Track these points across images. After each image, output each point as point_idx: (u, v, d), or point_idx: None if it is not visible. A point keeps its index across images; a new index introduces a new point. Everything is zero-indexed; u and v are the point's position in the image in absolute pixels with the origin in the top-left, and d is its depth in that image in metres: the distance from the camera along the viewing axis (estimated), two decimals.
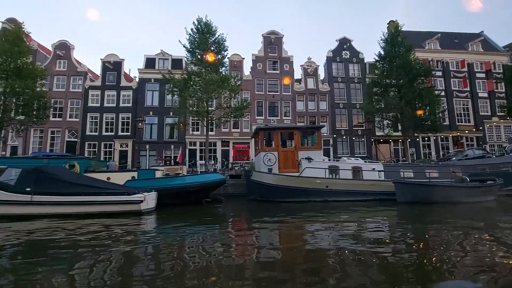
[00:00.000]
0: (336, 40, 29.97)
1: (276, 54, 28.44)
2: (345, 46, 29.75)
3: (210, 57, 18.31)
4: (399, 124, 25.11)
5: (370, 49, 74.05)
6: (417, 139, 28.77)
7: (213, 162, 22.12)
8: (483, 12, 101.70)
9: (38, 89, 17.45)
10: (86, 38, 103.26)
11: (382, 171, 12.50)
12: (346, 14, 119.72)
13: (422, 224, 7.64)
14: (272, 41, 28.40)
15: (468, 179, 11.71)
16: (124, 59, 27.01)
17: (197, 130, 26.66)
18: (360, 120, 28.91)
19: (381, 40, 21.72)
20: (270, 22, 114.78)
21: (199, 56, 19.31)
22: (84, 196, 8.69)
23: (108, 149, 25.84)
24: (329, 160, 14.23)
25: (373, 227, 7.51)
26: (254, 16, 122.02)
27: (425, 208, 10.00)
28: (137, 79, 26.98)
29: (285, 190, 11.94)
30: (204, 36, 18.85)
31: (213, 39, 19.25)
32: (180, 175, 12.45)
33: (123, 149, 26.01)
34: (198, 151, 26.59)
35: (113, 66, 26.60)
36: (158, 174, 12.00)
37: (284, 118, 27.84)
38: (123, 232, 6.87)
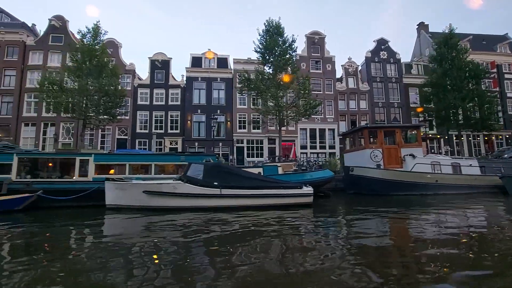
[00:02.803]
0: (374, 41, 30.89)
1: (319, 54, 29.11)
2: (382, 47, 30.65)
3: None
4: (433, 122, 26.29)
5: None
6: (446, 137, 30.06)
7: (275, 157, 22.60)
8: (480, 10, 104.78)
9: (119, 87, 17.71)
10: None
11: (481, 166, 13.43)
12: (342, 14, 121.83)
13: None
14: (315, 41, 29.05)
15: None
16: (171, 58, 27.25)
17: (244, 128, 27.25)
18: (397, 119, 30.00)
19: (433, 43, 22.58)
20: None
21: (267, 57, 19.87)
22: (264, 189, 9.16)
23: (158, 147, 26.05)
24: (424, 157, 15.02)
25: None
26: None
27: None
28: (184, 78, 27.28)
29: (395, 184, 12.68)
30: (274, 39, 19.38)
31: (282, 39, 19.78)
32: (307, 171, 13.09)
33: (173, 146, 26.32)
34: (245, 149, 27.16)
35: (161, 65, 26.82)
36: (280, 170, 12.56)
37: (327, 116, 28.61)
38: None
